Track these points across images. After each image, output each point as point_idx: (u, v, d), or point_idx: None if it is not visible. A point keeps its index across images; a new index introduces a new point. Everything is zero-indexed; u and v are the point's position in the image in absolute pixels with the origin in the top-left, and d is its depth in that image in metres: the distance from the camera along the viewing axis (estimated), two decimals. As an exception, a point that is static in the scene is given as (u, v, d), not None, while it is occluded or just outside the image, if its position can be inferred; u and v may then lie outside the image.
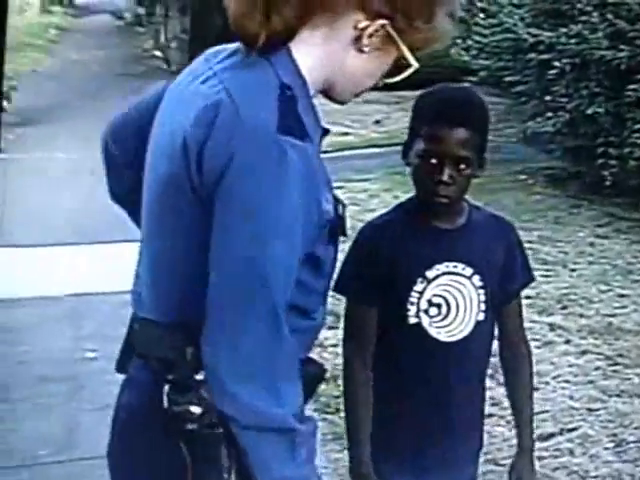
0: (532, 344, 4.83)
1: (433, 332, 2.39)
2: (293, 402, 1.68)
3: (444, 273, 2.37)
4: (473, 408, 2.53)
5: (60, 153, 10.60)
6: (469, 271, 2.38)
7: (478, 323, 2.40)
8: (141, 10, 24.92)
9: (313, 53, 1.79)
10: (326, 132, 1.90)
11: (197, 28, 19.40)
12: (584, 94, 8.15)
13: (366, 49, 1.79)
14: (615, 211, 7.98)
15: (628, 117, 7.89)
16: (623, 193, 8.15)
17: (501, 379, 4.25)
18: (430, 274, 2.36)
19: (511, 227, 2.53)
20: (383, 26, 1.77)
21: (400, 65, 1.87)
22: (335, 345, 5.04)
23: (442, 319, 2.38)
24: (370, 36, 1.77)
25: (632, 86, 7.72)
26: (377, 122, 12.39)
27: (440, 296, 2.38)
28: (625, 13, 7.90)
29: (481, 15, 10.17)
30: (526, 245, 7.20)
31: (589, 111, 8.05)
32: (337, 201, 1.85)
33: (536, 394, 4.53)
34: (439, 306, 2.38)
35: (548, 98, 8.47)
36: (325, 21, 1.77)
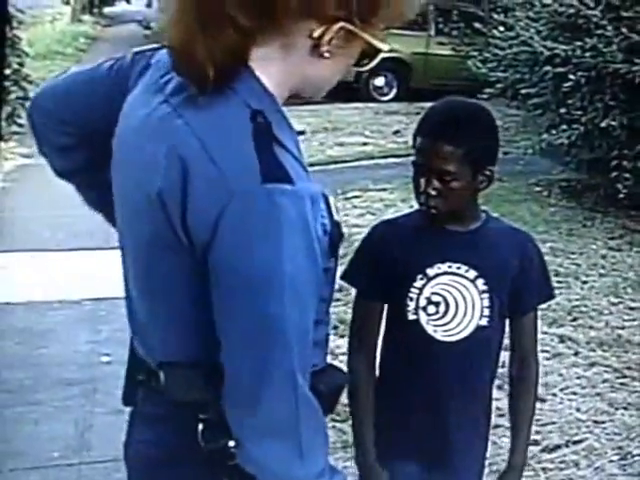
0: (541, 355, 4.81)
1: (430, 330, 2.38)
2: (317, 462, 1.60)
3: (445, 273, 2.36)
4: (472, 411, 2.49)
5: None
6: (472, 274, 2.36)
7: (480, 327, 2.38)
8: (168, 20, 25.01)
9: (274, 69, 1.62)
10: (300, 133, 1.72)
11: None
12: (599, 107, 8.12)
13: (327, 54, 1.63)
14: (629, 224, 7.94)
15: (642, 130, 7.86)
16: (637, 206, 8.10)
17: (508, 389, 4.26)
18: (431, 272, 2.36)
19: (529, 241, 2.49)
20: (342, 28, 1.59)
21: (369, 51, 1.70)
22: (345, 353, 5.02)
23: (440, 317, 2.37)
24: (329, 42, 1.60)
25: (647, 99, 7.70)
26: (396, 132, 12.38)
27: (439, 294, 2.37)
28: (640, 27, 7.87)
29: (500, 28, 10.14)
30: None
31: (604, 124, 8.01)
32: (328, 206, 1.66)
33: (543, 405, 4.55)
34: (437, 304, 2.37)
35: (563, 110, 8.44)
36: (276, 36, 1.60)
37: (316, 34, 1.59)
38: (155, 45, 1.83)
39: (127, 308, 1.85)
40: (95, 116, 1.88)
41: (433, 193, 2.29)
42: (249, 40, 1.58)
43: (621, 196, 7.96)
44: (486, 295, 2.37)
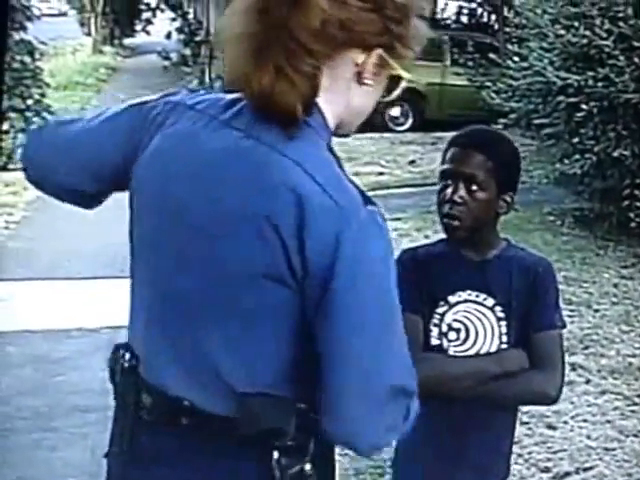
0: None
1: (452, 355, 2.44)
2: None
3: (466, 300, 2.43)
4: (490, 435, 2.50)
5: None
6: (491, 302, 2.42)
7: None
8: (187, 51, 25.17)
9: (326, 100, 1.71)
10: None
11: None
12: (611, 136, 8.15)
13: (370, 82, 1.73)
14: (641, 252, 7.95)
15: (654, 160, 7.88)
16: (650, 234, 8.12)
17: (522, 417, 4.27)
18: (452, 299, 2.43)
19: (545, 268, 2.50)
20: (380, 56, 1.71)
21: (392, 80, 1.80)
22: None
23: (461, 344, 2.43)
24: (371, 69, 1.71)
25: (659, 129, 7.72)
26: (411, 162, 12.42)
27: (460, 321, 2.43)
28: (652, 57, 7.91)
29: (514, 59, 10.18)
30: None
31: (616, 153, 8.04)
32: None
33: (554, 432, 4.58)
34: (458, 331, 2.43)
35: (576, 140, 8.46)
36: (327, 67, 1.68)
37: (360, 61, 1.70)
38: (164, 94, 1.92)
39: (146, 337, 1.87)
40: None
41: (459, 201, 2.37)
42: (320, 69, 1.66)
43: (633, 225, 7.99)
44: (504, 322, 2.42)
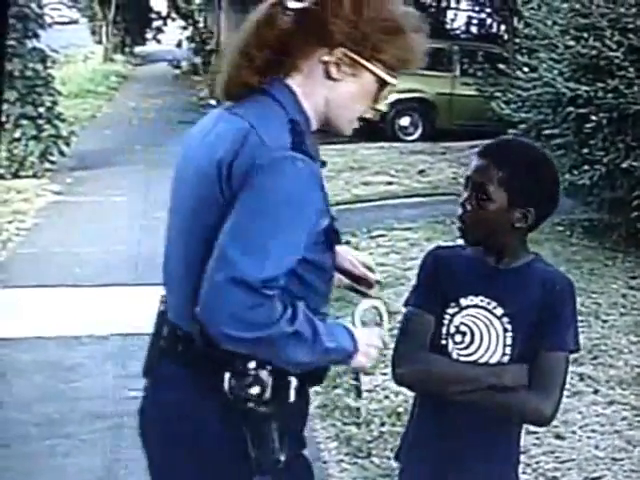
0: (561, 393, 4.84)
1: (454, 357, 2.47)
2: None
3: (476, 305, 2.45)
4: (489, 443, 2.50)
5: (115, 197, 10.76)
6: (500, 311, 2.43)
7: (500, 364, 2.43)
8: (197, 59, 25.24)
9: (303, 93, 2.14)
10: (323, 164, 2.19)
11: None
12: (620, 147, 8.15)
13: (338, 77, 2.12)
14: (650, 263, 7.94)
15: (663, 170, 7.88)
16: (658, 245, 8.12)
17: (530, 427, 4.27)
18: (463, 302, 2.46)
19: (564, 287, 2.47)
20: (346, 54, 2.10)
21: (384, 89, 2.18)
22: (370, 390, 5.07)
23: (465, 347, 2.46)
24: (337, 65, 2.11)
25: (667, 140, 7.73)
26: (421, 172, 12.43)
27: (467, 325, 2.46)
28: (661, 69, 7.92)
29: (524, 69, 10.19)
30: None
31: (625, 164, 8.04)
32: (332, 217, 2.18)
33: (563, 443, 4.59)
34: (464, 334, 2.46)
35: (585, 151, 8.47)
36: (300, 63, 2.14)
37: (324, 58, 2.11)
38: None
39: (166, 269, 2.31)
40: None
41: (467, 207, 2.43)
42: (285, 66, 2.15)
43: (642, 235, 7.99)
44: (509, 334, 2.43)
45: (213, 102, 20.62)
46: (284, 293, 2.07)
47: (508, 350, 2.43)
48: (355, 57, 2.10)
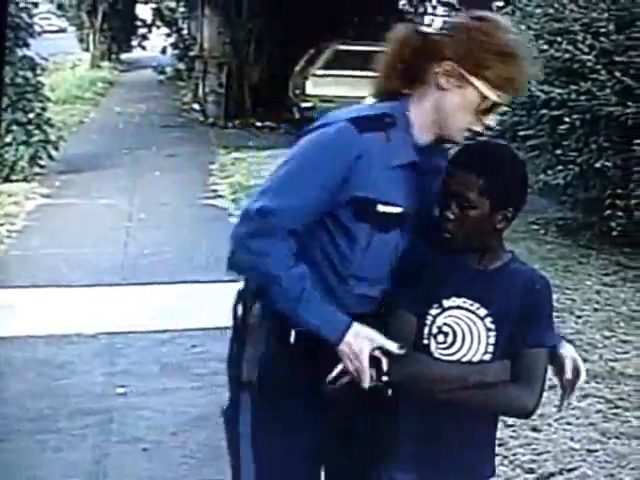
0: (537, 387, 4.84)
1: (437, 356, 2.45)
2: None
3: (459, 307, 2.44)
4: (467, 434, 2.51)
5: (103, 199, 10.73)
6: (483, 312, 2.43)
7: (482, 362, 2.44)
8: (181, 65, 25.19)
9: (418, 98, 2.45)
10: (414, 165, 2.45)
11: (233, 83, 19.67)
12: (593, 148, 8.18)
13: (445, 86, 2.40)
14: (622, 260, 7.97)
15: (635, 170, 7.90)
16: (631, 243, 8.14)
17: (507, 420, 4.28)
18: (446, 303, 2.45)
19: (543, 287, 2.50)
20: (453, 67, 2.38)
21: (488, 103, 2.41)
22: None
23: (447, 347, 2.45)
24: (445, 75, 2.39)
25: (639, 141, 7.74)
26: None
27: (449, 326, 2.45)
28: (633, 71, 7.93)
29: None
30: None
31: (598, 164, 8.07)
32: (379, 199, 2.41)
33: (539, 435, 4.59)
34: (446, 334, 2.44)
35: (559, 152, 8.50)
36: (423, 75, 2.45)
37: (436, 70, 2.41)
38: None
39: None
40: None
41: (451, 217, 2.40)
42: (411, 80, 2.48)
43: (615, 234, 8.01)
44: (492, 333, 2.44)
45: (196, 106, 20.61)
46: (300, 245, 2.37)
47: (491, 349, 2.44)
48: (460, 70, 2.38)
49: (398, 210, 2.43)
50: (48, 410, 4.94)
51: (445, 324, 2.45)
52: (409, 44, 2.46)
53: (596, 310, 6.59)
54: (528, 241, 8.57)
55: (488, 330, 2.44)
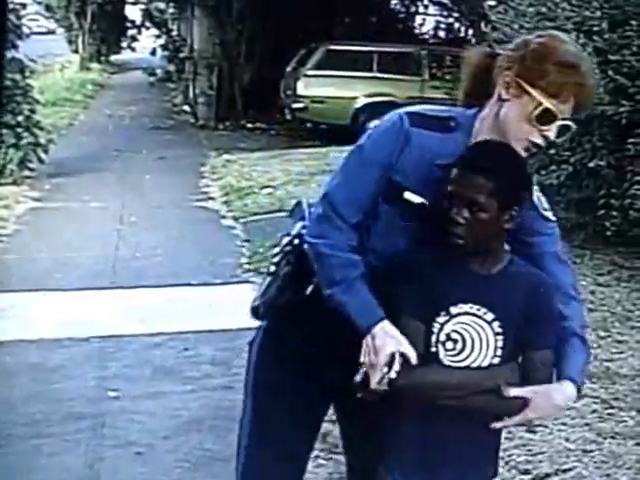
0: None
1: (446, 364, 2.48)
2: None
3: (466, 313, 2.47)
4: (474, 439, 2.54)
5: (93, 202, 10.74)
6: (490, 316, 2.46)
7: (491, 366, 2.48)
8: (171, 67, 25.17)
9: (489, 106, 2.55)
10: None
11: (224, 84, 19.68)
12: (587, 148, 8.18)
13: (505, 96, 2.49)
14: (617, 260, 7.98)
15: (629, 170, 7.90)
16: (625, 243, 8.15)
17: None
18: (454, 310, 2.47)
19: (547, 287, 2.53)
20: (511, 78, 2.47)
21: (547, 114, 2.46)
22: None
23: (456, 354, 2.47)
24: (504, 86, 2.49)
25: (632, 140, 7.75)
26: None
27: (458, 332, 2.47)
28: (626, 70, 7.93)
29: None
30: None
31: (592, 164, 8.07)
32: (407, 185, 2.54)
33: (534, 436, 4.60)
34: (455, 341, 2.47)
35: (553, 151, 8.49)
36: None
37: (498, 82, 2.51)
38: None
39: None
40: None
41: (462, 222, 2.41)
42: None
43: (609, 233, 8.01)
44: (500, 337, 2.47)
45: (187, 108, 20.61)
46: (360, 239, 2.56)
47: (499, 352, 2.48)
48: (518, 80, 2.47)
49: (420, 200, 2.53)
50: (40, 415, 4.94)
51: (454, 331, 2.48)
52: (480, 65, 2.62)
53: (591, 310, 6.59)
54: (522, 241, 8.58)
55: (496, 334, 2.47)
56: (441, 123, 2.55)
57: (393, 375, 2.39)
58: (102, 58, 33.91)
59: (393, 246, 2.56)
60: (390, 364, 2.40)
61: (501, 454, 4.30)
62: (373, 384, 2.41)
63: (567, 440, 4.61)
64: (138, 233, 8.98)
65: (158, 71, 26.09)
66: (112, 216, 9.90)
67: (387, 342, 2.43)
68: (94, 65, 31.72)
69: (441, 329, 2.48)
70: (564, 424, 4.77)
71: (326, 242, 2.53)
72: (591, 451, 4.50)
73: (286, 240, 2.73)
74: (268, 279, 2.74)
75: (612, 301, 6.85)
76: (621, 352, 5.81)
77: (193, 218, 10.06)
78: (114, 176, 12.45)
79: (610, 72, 7.92)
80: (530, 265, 2.57)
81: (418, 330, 2.48)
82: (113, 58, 35.56)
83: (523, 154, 2.48)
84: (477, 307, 2.47)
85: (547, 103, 2.44)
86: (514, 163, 2.47)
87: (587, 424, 4.78)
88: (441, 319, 2.47)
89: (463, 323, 2.47)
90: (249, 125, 18.60)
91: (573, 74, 2.46)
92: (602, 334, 6.11)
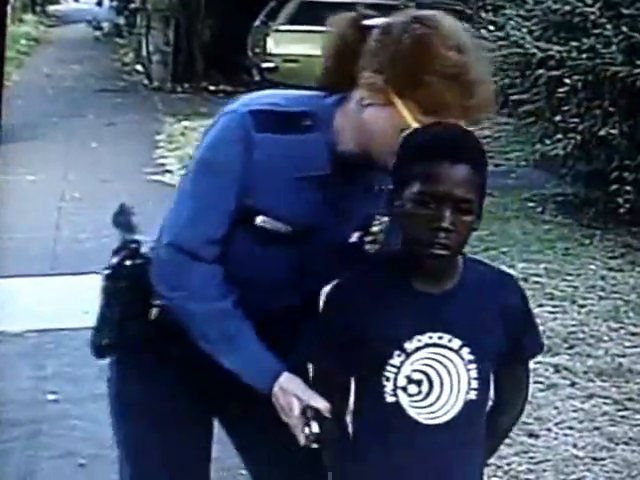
0: (535, 387, 4.88)
1: (413, 414, 2.26)
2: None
3: (426, 345, 2.24)
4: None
5: (30, 176, 10.66)
6: (457, 343, 2.24)
7: (469, 402, 2.28)
8: (121, 20, 25.03)
9: (344, 107, 2.35)
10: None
11: (182, 41, 19.58)
12: (597, 114, 8.21)
13: (367, 100, 2.27)
14: (631, 241, 8.03)
15: (644, 139, 7.96)
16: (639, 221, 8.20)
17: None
18: (409, 346, 2.23)
19: (514, 288, 2.39)
20: (376, 82, 2.23)
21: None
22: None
23: (423, 399, 2.25)
24: (367, 89, 2.25)
25: (648, 105, 7.81)
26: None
27: (421, 372, 2.25)
28: (642, 25, 7.98)
29: (489, 28, 10.23)
30: (533, 279, 7.15)
31: (602, 132, 8.11)
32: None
33: (537, 441, 4.62)
34: (420, 383, 2.25)
35: (558, 118, 8.53)
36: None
37: (359, 79, 2.27)
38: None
39: None
40: None
41: (451, 228, 2.14)
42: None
43: (622, 211, 8.06)
44: (473, 365, 2.26)
45: (139, 68, 20.53)
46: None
47: (475, 384, 2.28)
48: (386, 88, 2.23)
49: (280, 226, 2.35)
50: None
51: (415, 371, 2.24)
52: (346, 39, 2.38)
53: (601, 298, 6.63)
54: (522, 220, 8.61)
55: (468, 363, 2.25)
56: (294, 122, 2.34)
57: (316, 430, 2.27)
58: (38, 8, 33.67)
59: (270, 278, 2.45)
60: (307, 421, 2.28)
61: (499, 462, 4.37)
62: (302, 443, 2.29)
63: (574, 446, 4.62)
64: (82, 211, 8.88)
65: (105, 24, 25.99)
66: (52, 191, 9.83)
67: (290, 401, 2.30)
68: (28, 17, 31.48)
69: (398, 372, 2.23)
70: (571, 428, 4.79)
71: (186, 294, 2.38)
72: (602, 459, 4.52)
73: (114, 261, 2.67)
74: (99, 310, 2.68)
75: (626, 288, 6.89)
76: (635, 346, 5.84)
77: (147, 194, 9.99)
78: (54, 145, 12.36)
79: (624, 28, 7.96)
80: (484, 263, 2.42)
81: (345, 388, 2.37)
82: (51, 9, 35.37)
83: (383, 161, 2.28)
84: (438, 335, 2.23)
85: (410, 119, 2.20)
86: (482, 149, 2.25)
87: (597, 428, 4.80)
88: (395, 361, 2.23)
89: (425, 358, 2.23)
90: (211, 88, 18.54)
91: (456, 87, 2.18)
92: (614, 325, 6.14)
